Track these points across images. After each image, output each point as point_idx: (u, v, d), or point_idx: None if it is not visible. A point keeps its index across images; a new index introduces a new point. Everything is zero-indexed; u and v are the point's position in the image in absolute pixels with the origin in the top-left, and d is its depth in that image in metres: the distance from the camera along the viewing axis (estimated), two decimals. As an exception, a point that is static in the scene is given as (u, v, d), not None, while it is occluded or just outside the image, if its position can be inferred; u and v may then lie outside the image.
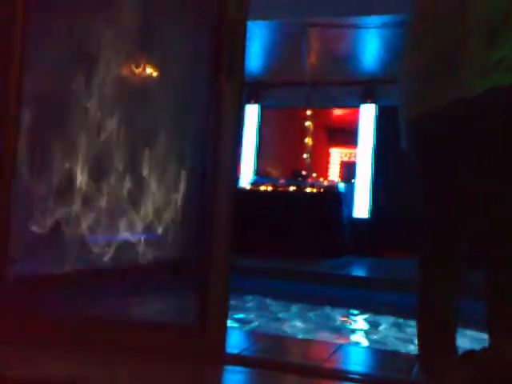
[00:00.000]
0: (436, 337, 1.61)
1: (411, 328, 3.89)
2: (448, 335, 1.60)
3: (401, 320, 4.24)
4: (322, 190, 8.15)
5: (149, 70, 4.45)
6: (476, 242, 1.62)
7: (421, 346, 1.65)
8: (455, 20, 1.55)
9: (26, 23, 2.39)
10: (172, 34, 4.32)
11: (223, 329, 2.12)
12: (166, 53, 4.45)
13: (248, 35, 2.18)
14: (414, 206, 1.73)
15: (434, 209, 1.65)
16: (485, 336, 1.56)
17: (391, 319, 4.32)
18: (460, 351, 1.62)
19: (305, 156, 10.00)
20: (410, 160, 1.71)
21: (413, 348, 3.15)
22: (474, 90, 1.48)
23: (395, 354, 2.84)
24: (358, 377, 1.95)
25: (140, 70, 4.34)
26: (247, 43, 2.19)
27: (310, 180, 9.04)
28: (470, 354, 1.59)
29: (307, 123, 10.03)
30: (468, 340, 3.24)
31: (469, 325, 3.35)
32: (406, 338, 3.70)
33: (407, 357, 2.57)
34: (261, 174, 9.69)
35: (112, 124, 3.97)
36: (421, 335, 1.65)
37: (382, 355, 2.65)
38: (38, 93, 2.86)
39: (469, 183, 1.57)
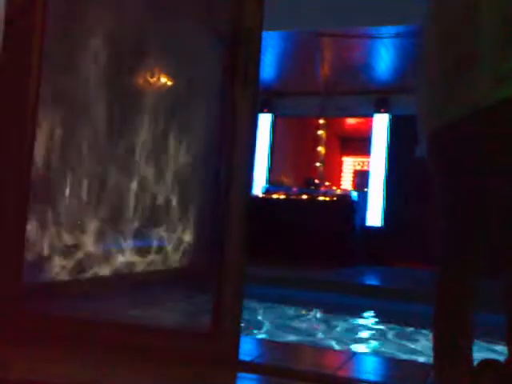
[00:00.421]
0: (452, 347, 1.61)
1: (422, 337, 3.87)
2: (464, 345, 1.59)
3: (411, 329, 4.22)
4: (334, 198, 8.14)
5: (163, 80, 4.49)
6: (496, 254, 1.61)
7: (436, 355, 1.65)
8: (467, 30, 1.55)
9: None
10: (187, 44, 4.36)
11: (236, 336, 2.13)
12: (178, 62, 4.50)
13: (262, 45, 2.20)
14: (432, 217, 1.72)
15: (453, 222, 1.65)
16: (498, 347, 1.55)
17: (402, 328, 4.30)
18: (475, 361, 1.62)
19: (317, 164, 10.01)
20: (430, 172, 1.71)
21: (425, 357, 3.13)
22: (489, 100, 1.47)
23: (409, 363, 2.82)
24: (371, 386, 1.94)
25: (155, 79, 4.38)
26: (261, 53, 2.21)
27: (322, 188, 9.03)
28: (486, 363, 1.58)
29: (320, 132, 10.04)
30: (484, 351, 3.21)
31: (485, 336, 3.33)
32: (417, 348, 3.67)
33: (421, 366, 2.56)
34: (273, 183, 9.69)
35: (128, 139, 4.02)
36: (436, 345, 1.64)
37: (396, 364, 2.64)
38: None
39: (490, 196, 1.57)
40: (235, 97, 2.18)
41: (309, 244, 7.41)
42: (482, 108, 1.48)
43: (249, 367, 2.10)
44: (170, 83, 4.51)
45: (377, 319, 4.79)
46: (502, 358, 1.57)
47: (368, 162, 9.97)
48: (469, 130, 1.54)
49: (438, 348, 1.65)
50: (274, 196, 8.32)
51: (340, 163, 13.21)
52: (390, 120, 9.08)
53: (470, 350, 1.60)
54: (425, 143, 1.71)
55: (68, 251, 3.27)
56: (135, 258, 3.74)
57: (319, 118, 9.80)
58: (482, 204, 1.60)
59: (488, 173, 1.55)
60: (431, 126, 1.65)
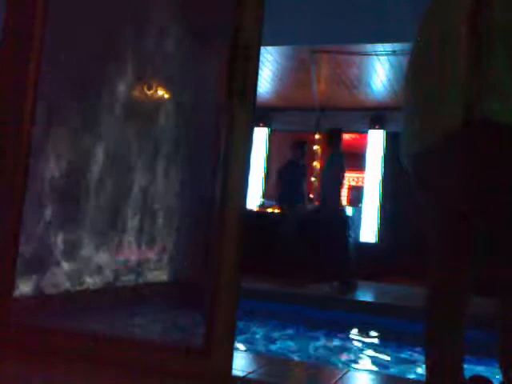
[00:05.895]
0: (444, 363, 1.61)
1: (416, 353, 3.86)
2: (456, 361, 1.60)
3: (405, 346, 4.20)
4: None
5: (160, 93, 4.51)
6: (489, 273, 1.63)
7: (428, 371, 1.65)
8: (437, 66, 1.62)
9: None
10: (185, 58, 4.39)
11: (229, 351, 2.11)
12: (177, 76, 4.52)
13: (259, 60, 2.22)
14: (422, 234, 1.75)
15: (442, 240, 1.67)
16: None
17: (396, 345, 4.28)
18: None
19: (312, 179, 10.02)
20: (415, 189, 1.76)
21: (419, 373, 3.12)
22: (454, 126, 1.53)
23: (402, 380, 2.81)
24: (364, 403, 1.93)
25: (151, 92, 4.40)
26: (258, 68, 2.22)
27: (317, 203, 9.03)
28: (478, 378, 1.58)
29: (315, 147, 10.07)
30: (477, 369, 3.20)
31: (477, 353, 3.32)
32: (411, 365, 3.66)
33: (415, 382, 2.55)
34: (269, 197, 9.69)
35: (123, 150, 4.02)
36: (428, 361, 1.65)
37: (390, 381, 2.62)
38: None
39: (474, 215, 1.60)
40: (232, 111, 2.19)
41: (302, 258, 7.38)
42: (450, 133, 1.54)
43: (242, 383, 2.08)
44: (162, 96, 4.52)
45: (367, 335, 4.77)
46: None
47: (362, 178, 10.00)
48: (440, 155, 1.59)
49: (431, 364, 1.65)
50: (269, 210, 8.31)
51: (335, 178, 13.21)
52: (385, 136, 9.13)
53: (462, 363, 1.61)
54: (408, 164, 1.77)
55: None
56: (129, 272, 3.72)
57: (315, 133, 9.84)
58: (474, 225, 1.62)
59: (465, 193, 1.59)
60: (411, 150, 1.72)
